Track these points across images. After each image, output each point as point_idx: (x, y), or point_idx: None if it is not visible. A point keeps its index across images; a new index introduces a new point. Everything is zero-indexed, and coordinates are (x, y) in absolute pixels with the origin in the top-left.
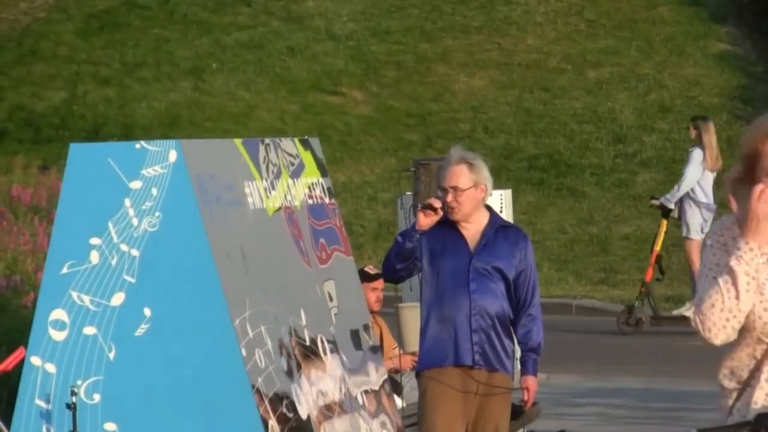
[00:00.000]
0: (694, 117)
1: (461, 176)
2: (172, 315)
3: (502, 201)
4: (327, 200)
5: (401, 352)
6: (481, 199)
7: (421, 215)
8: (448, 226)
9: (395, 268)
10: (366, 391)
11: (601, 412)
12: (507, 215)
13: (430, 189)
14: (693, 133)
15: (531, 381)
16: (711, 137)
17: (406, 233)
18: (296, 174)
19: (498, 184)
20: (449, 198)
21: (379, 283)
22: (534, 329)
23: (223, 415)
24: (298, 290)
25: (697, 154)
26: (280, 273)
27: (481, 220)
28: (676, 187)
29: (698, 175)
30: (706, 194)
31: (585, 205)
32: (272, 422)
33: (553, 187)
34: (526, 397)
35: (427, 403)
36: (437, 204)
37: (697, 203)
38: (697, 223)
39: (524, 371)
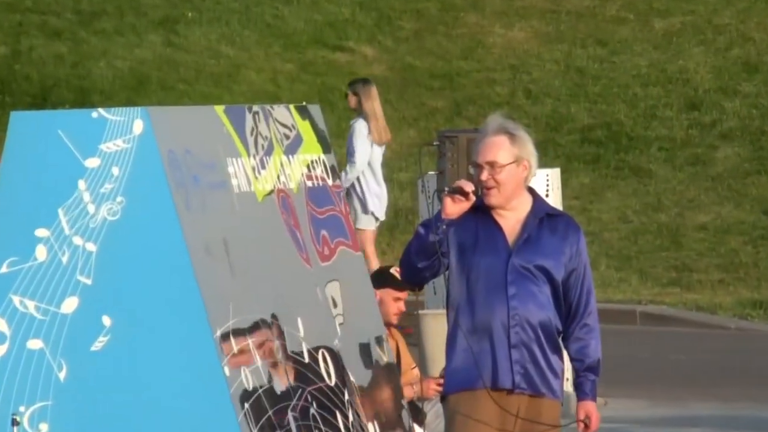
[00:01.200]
0: (352, 81)
1: (500, 149)
2: (138, 325)
3: (548, 183)
4: (330, 182)
5: (423, 377)
6: (524, 179)
7: (447, 201)
8: (481, 213)
9: (416, 267)
10: (379, 419)
11: None
12: (555, 200)
13: (458, 168)
14: (352, 101)
15: (591, 408)
16: (374, 103)
17: (429, 224)
18: (292, 149)
19: (544, 162)
20: (485, 176)
21: (405, 294)
22: (591, 343)
23: None
24: (294, 294)
25: (360, 125)
26: (272, 272)
27: (523, 206)
28: (345, 170)
29: (368, 151)
30: (374, 173)
31: (651, 187)
32: None
33: (612, 166)
34: (584, 430)
35: None
36: (468, 187)
37: (367, 185)
38: (369, 210)
39: (581, 396)
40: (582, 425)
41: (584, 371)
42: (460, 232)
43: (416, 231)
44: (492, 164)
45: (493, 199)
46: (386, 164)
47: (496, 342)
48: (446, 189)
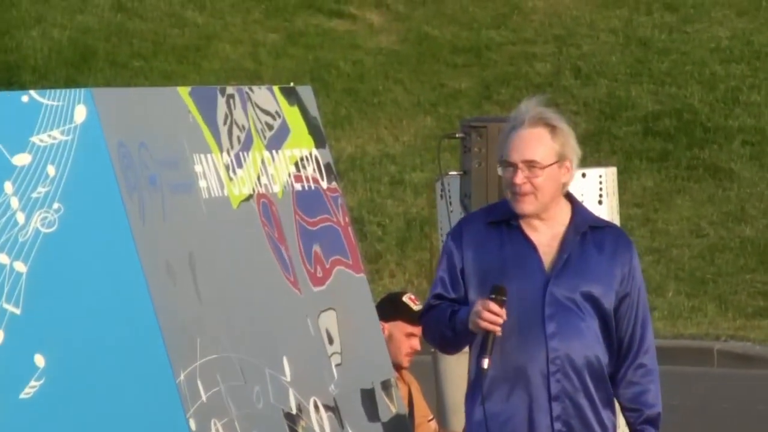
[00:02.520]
0: None
1: (540, 145)
2: (79, 366)
3: (602, 186)
4: (325, 184)
5: (441, 430)
6: (565, 184)
7: (487, 309)
8: (506, 228)
9: (446, 347)
10: None
11: None
12: (610, 208)
13: (488, 166)
14: None
15: None
16: None
17: (452, 314)
18: (277, 143)
19: (597, 159)
20: (521, 179)
21: (420, 329)
22: (650, 388)
23: None
24: (278, 327)
25: None
26: (251, 299)
27: (561, 217)
28: None
29: None
30: None
31: (733, 192)
32: None
33: (684, 165)
34: None
35: None
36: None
37: None
38: None
39: None
40: None
41: (642, 424)
42: (482, 253)
43: (437, 307)
44: (531, 164)
45: (530, 206)
46: (396, 161)
47: (533, 392)
48: (489, 292)
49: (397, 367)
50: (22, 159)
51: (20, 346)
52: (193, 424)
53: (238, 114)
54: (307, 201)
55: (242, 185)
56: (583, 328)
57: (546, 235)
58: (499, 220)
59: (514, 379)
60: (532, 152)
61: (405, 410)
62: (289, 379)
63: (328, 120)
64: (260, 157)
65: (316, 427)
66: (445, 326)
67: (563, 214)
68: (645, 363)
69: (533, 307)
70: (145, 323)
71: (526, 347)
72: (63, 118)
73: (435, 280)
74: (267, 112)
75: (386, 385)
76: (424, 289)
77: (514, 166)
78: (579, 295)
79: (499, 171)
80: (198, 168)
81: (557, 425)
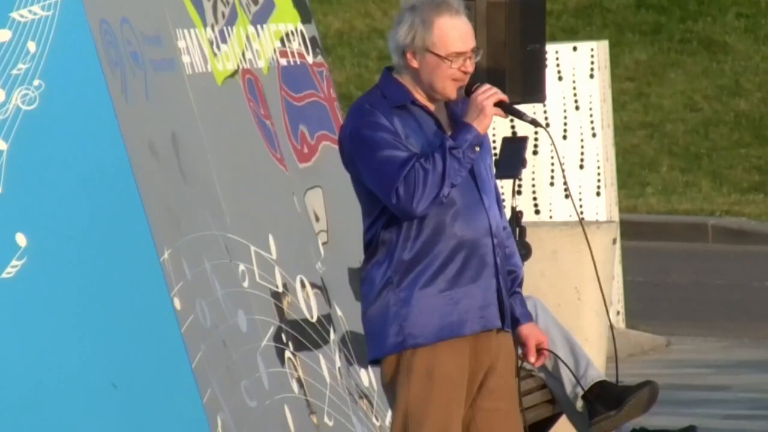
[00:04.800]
0: None
1: (471, 30)
2: (61, 245)
3: (593, 60)
4: (310, 59)
5: None
6: None
7: (490, 105)
8: (408, 109)
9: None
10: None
11: (757, 396)
12: (602, 82)
13: (477, 40)
14: None
15: (537, 331)
16: None
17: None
18: (262, 18)
19: (588, 33)
20: (470, 66)
21: None
22: (515, 250)
23: (141, 408)
24: (264, 204)
25: None
26: (236, 177)
27: None
28: None
29: None
30: None
31: (727, 65)
32: (223, 415)
33: (677, 38)
34: (534, 360)
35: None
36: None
37: None
38: None
39: (523, 319)
40: (531, 351)
41: (517, 287)
42: (409, 131)
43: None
44: (475, 51)
45: (458, 92)
46: (384, 36)
47: (478, 272)
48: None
49: None
50: (1, 35)
51: (2, 226)
52: (177, 303)
53: None
54: (293, 76)
55: (227, 61)
56: (497, 194)
57: (442, 113)
58: (402, 104)
59: (465, 259)
60: (473, 39)
61: None
62: (275, 257)
63: None
64: (245, 32)
65: (303, 306)
66: (436, 166)
67: None
68: (506, 225)
69: (467, 182)
70: (127, 202)
71: (473, 224)
72: None
73: (383, 159)
74: None
75: None
76: None
77: (464, 55)
78: (484, 164)
79: (445, 64)
80: (181, 43)
81: (503, 300)
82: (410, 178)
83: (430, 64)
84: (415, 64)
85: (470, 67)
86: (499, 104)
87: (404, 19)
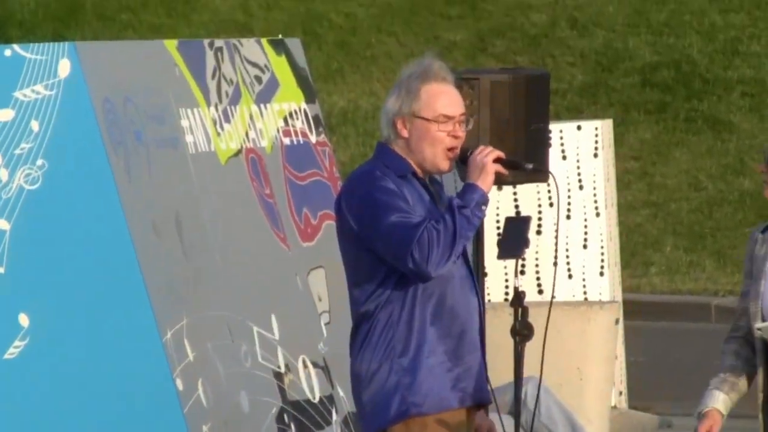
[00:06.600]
0: None
1: (460, 97)
2: (64, 326)
3: (598, 139)
4: (314, 138)
5: None
6: None
7: (490, 162)
8: (408, 180)
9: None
10: None
11: None
12: (606, 161)
13: (480, 119)
14: None
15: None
16: None
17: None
18: (266, 97)
19: (593, 112)
20: (461, 132)
21: None
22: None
23: None
24: (267, 285)
25: None
26: (239, 257)
27: None
28: None
29: None
30: None
31: (732, 144)
32: None
33: (682, 117)
34: None
35: None
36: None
37: None
38: None
39: None
40: None
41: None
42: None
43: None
44: (466, 118)
45: (450, 163)
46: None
47: (471, 346)
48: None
49: None
50: (4, 114)
51: (4, 306)
52: (180, 384)
53: (227, 68)
54: (296, 155)
55: (230, 140)
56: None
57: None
58: (404, 174)
59: (459, 335)
60: (462, 106)
61: None
62: (277, 337)
63: (320, 73)
64: (249, 111)
65: (305, 386)
66: (447, 226)
67: None
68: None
69: (460, 261)
70: (130, 282)
71: (465, 303)
72: (47, 73)
73: (397, 223)
74: (256, 66)
75: None
76: None
77: (453, 120)
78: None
79: (434, 127)
80: (184, 123)
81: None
82: (423, 240)
83: (419, 129)
84: (405, 133)
85: (460, 132)
86: (498, 161)
87: (393, 92)
